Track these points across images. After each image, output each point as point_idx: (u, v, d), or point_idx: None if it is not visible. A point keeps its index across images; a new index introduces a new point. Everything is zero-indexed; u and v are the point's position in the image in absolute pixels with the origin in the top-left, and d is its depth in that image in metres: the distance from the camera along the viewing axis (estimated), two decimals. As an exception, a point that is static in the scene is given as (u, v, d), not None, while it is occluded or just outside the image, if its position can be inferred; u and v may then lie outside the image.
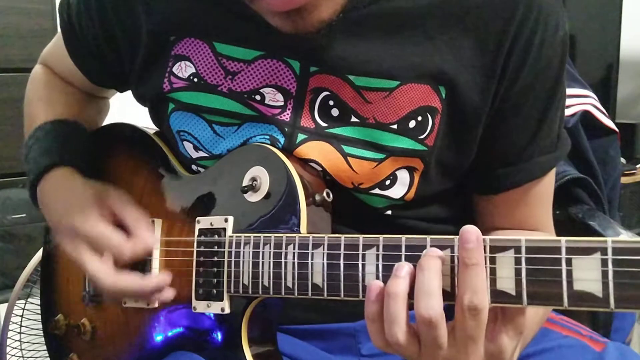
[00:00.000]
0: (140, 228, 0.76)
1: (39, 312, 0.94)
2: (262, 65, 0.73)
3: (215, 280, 0.70)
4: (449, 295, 0.55)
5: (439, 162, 0.73)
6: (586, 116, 1.10)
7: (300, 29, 0.64)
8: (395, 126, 0.70)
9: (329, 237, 0.63)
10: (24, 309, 1.37)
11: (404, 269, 0.56)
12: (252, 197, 0.70)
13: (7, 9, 1.90)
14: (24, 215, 1.92)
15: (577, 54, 2.42)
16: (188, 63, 0.76)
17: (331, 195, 0.70)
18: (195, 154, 0.78)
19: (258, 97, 0.73)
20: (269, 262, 0.66)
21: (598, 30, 2.54)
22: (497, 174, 0.75)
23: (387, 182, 0.72)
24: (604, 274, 0.49)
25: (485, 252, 0.54)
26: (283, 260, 0.65)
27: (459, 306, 0.54)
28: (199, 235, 0.72)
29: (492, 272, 0.54)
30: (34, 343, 1.38)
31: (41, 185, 0.82)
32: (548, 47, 0.70)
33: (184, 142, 0.78)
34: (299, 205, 0.67)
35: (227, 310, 0.69)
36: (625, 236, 0.98)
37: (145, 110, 0.84)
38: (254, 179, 0.70)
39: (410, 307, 0.56)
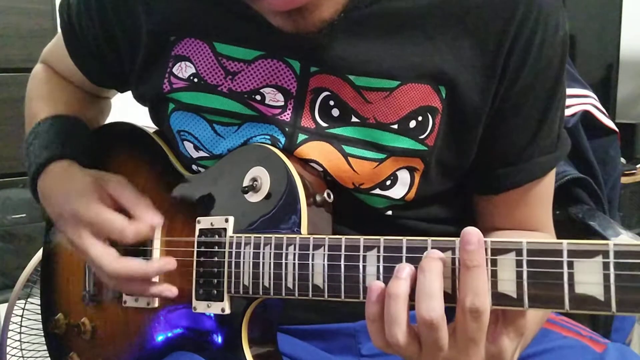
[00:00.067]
0: (141, 209, 0.75)
1: (39, 312, 0.95)
2: (263, 65, 0.73)
3: (215, 281, 0.70)
4: (450, 297, 0.55)
5: (439, 162, 0.73)
6: (586, 116, 1.10)
7: (301, 28, 0.64)
8: (395, 126, 0.70)
9: (329, 238, 0.63)
10: (24, 309, 1.37)
11: (405, 270, 0.56)
12: (253, 198, 0.70)
13: (7, 9, 1.90)
14: (24, 215, 1.92)
15: (577, 54, 2.42)
16: (188, 63, 0.76)
17: (332, 196, 0.70)
18: (195, 154, 0.78)
19: (258, 97, 0.73)
20: (270, 263, 0.66)
21: (598, 30, 2.54)
22: (497, 174, 0.75)
23: (388, 183, 0.72)
24: (606, 277, 0.49)
25: (486, 255, 0.54)
26: (284, 261, 0.65)
27: (460, 308, 0.54)
28: (199, 236, 0.72)
29: (493, 274, 0.54)
30: (34, 343, 1.38)
31: (41, 179, 0.82)
32: (548, 47, 0.70)
33: (185, 142, 0.78)
34: (299, 206, 0.67)
35: (228, 311, 0.69)
36: (625, 236, 0.98)
37: (146, 110, 0.84)
38: (254, 179, 0.70)
39: (411, 308, 0.56)
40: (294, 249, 0.64)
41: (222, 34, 0.74)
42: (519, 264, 0.53)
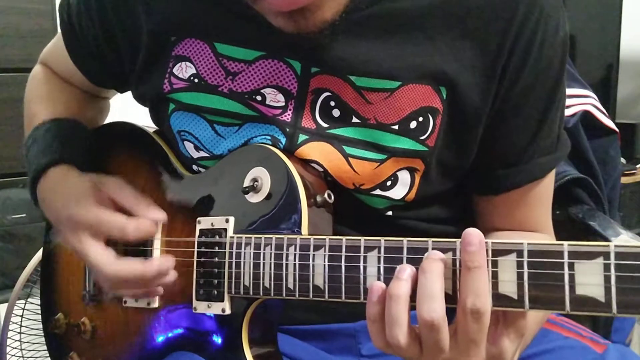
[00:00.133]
0: (141, 207, 0.75)
1: (39, 312, 0.94)
2: (263, 66, 0.72)
3: (215, 281, 0.70)
4: (451, 299, 0.55)
5: (439, 162, 0.73)
6: (586, 116, 1.10)
7: (302, 29, 0.64)
8: (396, 127, 0.70)
9: (330, 238, 0.63)
10: (24, 309, 1.37)
11: (406, 271, 0.56)
12: (253, 198, 0.70)
13: (7, 9, 1.90)
14: (24, 215, 1.92)
15: (577, 54, 2.42)
16: (188, 64, 0.76)
17: (332, 196, 0.70)
18: (196, 154, 0.78)
19: (259, 98, 0.73)
20: (270, 263, 0.66)
21: (598, 30, 2.54)
22: (497, 175, 0.75)
23: (388, 183, 0.72)
24: (607, 279, 0.49)
25: (487, 256, 0.54)
26: (284, 261, 0.65)
27: (461, 309, 0.54)
28: (199, 236, 0.72)
29: (494, 275, 0.54)
30: (34, 343, 1.38)
31: (41, 184, 0.82)
32: (549, 47, 0.70)
33: (185, 142, 0.78)
34: (300, 206, 0.67)
35: (228, 311, 0.69)
36: (625, 236, 0.98)
37: (145, 110, 0.84)
38: (255, 180, 0.70)
39: (412, 308, 0.56)
40: (295, 250, 0.64)
41: (222, 34, 0.74)
42: (519, 265, 0.53)
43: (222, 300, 0.69)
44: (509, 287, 0.53)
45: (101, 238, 0.74)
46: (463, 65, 0.69)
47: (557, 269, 0.51)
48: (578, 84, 1.15)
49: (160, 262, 0.73)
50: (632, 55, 2.64)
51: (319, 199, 0.68)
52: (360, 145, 0.71)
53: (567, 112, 1.06)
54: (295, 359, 0.79)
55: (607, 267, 0.49)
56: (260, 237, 0.67)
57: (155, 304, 0.76)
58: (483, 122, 0.71)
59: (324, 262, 0.62)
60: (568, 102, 0.97)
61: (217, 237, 0.71)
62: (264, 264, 0.66)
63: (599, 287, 0.50)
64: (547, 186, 0.79)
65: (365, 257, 0.60)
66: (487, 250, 0.54)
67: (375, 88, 0.70)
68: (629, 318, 1.03)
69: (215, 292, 0.70)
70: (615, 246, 0.49)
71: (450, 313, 0.55)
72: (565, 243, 0.51)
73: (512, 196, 0.76)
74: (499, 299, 0.54)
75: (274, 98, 0.73)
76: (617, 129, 1.15)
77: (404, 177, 0.72)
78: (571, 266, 0.51)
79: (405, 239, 0.58)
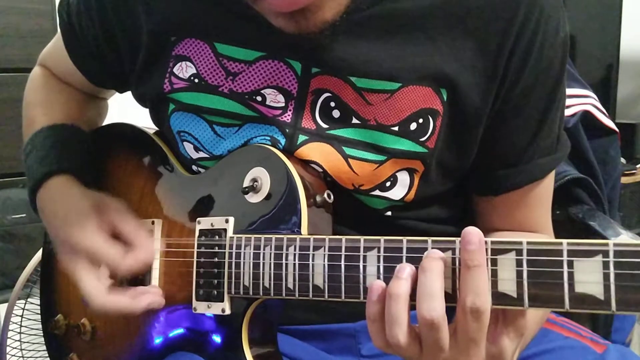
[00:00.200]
0: (139, 240, 0.75)
1: (39, 312, 0.94)
2: (263, 66, 0.72)
3: (215, 281, 0.70)
4: (450, 297, 0.55)
5: (439, 163, 0.73)
6: (586, 116, 1.10)
7: (303, 29, 0.64)
8: (396, 128, 0.70)
9: (329, 238, 0.63)
10: (24, 309, 1.37)
11: (405, 270, 0.56)
12: (253, 198, 0.70)
13: (7, 9, 1.90)
14: (24, 215, 1.92)
15: (577, 54, 2.42)
16: (189, 63, 0.76)
17: (332, 197, 0.70)
18: (195, 155, 0.78)
19: (259, 98, 0.73)
20: (270, 264, 0.66)
21: (598, 30, 2.54)
22: (497, 176, 0.75)
23: (388, 184, 0.72)
24: (606, 277, 0.49)
25: (486, 254, 0.54)
26: (284, 261, 0.65)
27: (461, 308, 0.54)
28: (199, 236, 0.72)
29: (494, 274, 0.54)
30: (34, 343, 1.38)
31: (40, 194, 0.82)
32: (549, 48, 0.70)
33: (185, 143, 0.78)
34: (299, 206, 0.67)
35: (228, 311, 0.69)
36: (626, 236, 0.98)
37: (145, 111, 0.84)
38: (254, 180, 0.70)
39: (412, 308, 0.56)
40: (294, 250, 0.64)
41: (222, 34, 0.74)
42: (519, 263, 0.53)
43: (222, 301, 0.69)
44: (508, 285, 0.53)
45: (96, 265, 0.74)
46: (463, 65, 0.69)
47: (556, 267, 0.51)
48: (578, 84, 1.15)
49: (150, 300, 0.73)
50: (632, 55, 2.64)
51: (318, 199, 0.68)
52: (360, 146, 0.71)
53: (567, 112, 1.06)
54: (295, 359, 0.79)
55: (606, 265, 0.50)
56: (260, 237, 0.67)
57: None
58: (483, 122, 0.71)
59: (324, 261, 0.62)
60: (568, 102, 0.97)
61: (216, 237, 0.71)
62: (263, 264, 0.66)
63: (598, 285, 0.50)
64: (547, 187, 0.79)
65: (364, 257, 0.60)
66: (486, 249, 0.54)
67: (376, 89, 0.70)
68: (629, 318, 1.03)
69: (215, 292, 0.70)
70: (614, 244, 0.49)
71: (450, 312, 0.55)
72: (565, 241, 0.51)
73: (512, 197, 0.76)
74: (498, 297, 0.54)
75: (274, 98, 0.73)
76: (617, 129, 1.15)
77: (403, 178, 0.72)
78: (570, 264, 0.51)
79: (404, 238, 0.58)
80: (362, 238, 0.61)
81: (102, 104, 1.00)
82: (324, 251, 0.62)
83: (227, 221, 0.71)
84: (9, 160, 1.90)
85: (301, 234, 0.66)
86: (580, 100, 1.11)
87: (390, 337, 0.56)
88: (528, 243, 0.53)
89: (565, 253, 0.51)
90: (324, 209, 0.70)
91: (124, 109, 1.04)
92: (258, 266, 0.66)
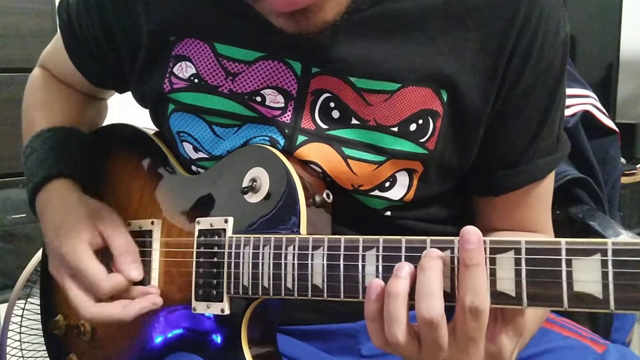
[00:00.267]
0: (123, 262, 0.76)
1: (39, 312, 0.94)
2: (263, 67, 0.72)
3: (215, 281, 0.70)
4: (449, 297, 0.55)
5: (439, 164, 0.72)
6: (586, 116, 1.10)
7: (303, 29, 0.64)
8: (395, 129, 0.70)
9: (328, 238, 0.63)
10: (24, 309, 1.37)
11: (404, 269, 0.56)
12: (252, 198, 0.70)
13: (7, 9, 1.90)
14: (24, 215, 1.92)
15: (577, 54, 2.41)
16: (189, 63, 0.76)
17: (331, 196, 0.70)
18: (195, 155, 0.78)
19: (259, 99, 0.73)
20: (269, 263, 0.66)
21: (598, 30, 2.54)
22: (497, 176, 0.75)
23: (387, 184, 0.72)
24: (604, 275, 0.49)
25: (485, 253, 0.54)
26: (283, 261, 0.65)
27: (460, 307, 0.54)
28: (198, 236, 0.72)
29: (492, 273, 0.54)
30: (34, 343, 1.38)
31: (40, 197, 0.82)
32: (549, 48, 0.70)
33: (184, 143, 0.78)
34: (299, 206, 0.67)
35: (227, 311, 0.69)
36: (626, 236, 0.98)
37: (145, 111, 0.84)
38: (254, 180, 0.70)
39: (411, 307, 0.56)
40: (293, 249, 0.64)
41: (222, 34, 0.74)
42: (517, 262, 0.53)
43: (221, 301, 0.69)
44: (507, 284, 0.53)
45: (80, 282, 0.75)
46: (464, 65, 0.69)
47: (554, 266, 0.51)
48: (578, 84, 1.15)
49: (140, 306, 0.73)
50: (632, 55, 2.64)
51: (317, 199, 0.68)
52: (360, 146, 0.71)
53: (567, 112, 1.06)
54: (294, 359, 0.79)
55: (604, 264, 0.50)
56: (259, 237, 0.67)
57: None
58: (484, 123, 0.71)
59: (323, 261, 0.62)
60: (568, 102, 0.97)
61: (216, 237, 0.71)
62: (262, 263, 0.66)
63: (597, 284, 0.50)
64: (547, 187, 0.79)
65: (363, 256, 0.60)
66: (485, 248, 0.54)
67: (375, 90, 0.70)
68: (629, 317, 1.03)
69: (215, 292, 0.70)
70: (613, 243, 0.49)
71: (449, 310, 0.55)
72: (563, 240, 0.51)
73: (512, 197, 0.76)
74: (497, 296, 0.54)
75: (274, 99, 0.73)
76: (617, 129, 1.15)
77: (403, 178, 0.72)
78: (569, 263, 0.51)
79: (403, 238, 0.58)
80: (361, 238, 0.61)
81: (102, 105, 1.00)
82: (323, 251, 0.62)
83: (226, 221, 0.71)
84: (9, 160, 1.91)
85: (300, 234, 0.66)
86: (580, 100, 1.11)
87: (389, 335, 0.56)
88: (527, 242, 0.53)
89: (563, 252, 0.51)
90: (323, 209, 0.70)
91: (124, 109, 1.04)
92: (257, 266, 0.66)
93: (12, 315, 1.36)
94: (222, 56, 0.74)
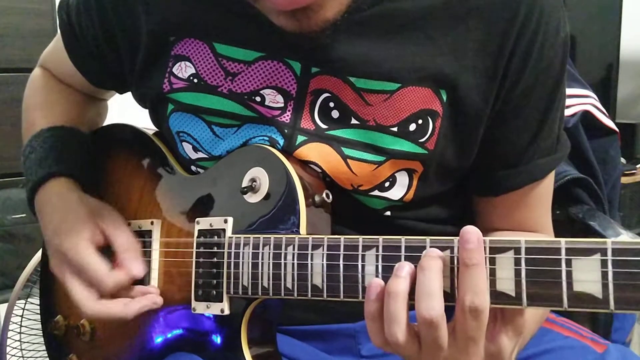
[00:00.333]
0: (127, 258, 0.75)
1: (39, 312, 0.94)
2: (263, 67, 0.72)
3: (214, 281, 0.70)
4: (449, 296, 0.55)
5: (439, 164, 0.72)
6: (586, 116, 1.10)
7: (304, 28, 0.64)
8: (395, 129, 0.70)
9: (328, 238, 0.62)
10: (24, 309, 1.37)
11: (404, 268, 0.56)
12: (252, 198, 0.70)
13: (7, 9, 1.90)
14: (24, 215, 1.92)
15: (577, 54, 2.41)
16: (188, 63, 0.76)
17: (331, 196, 0.70)
18: (194, 155, 0.78)
19: (258, 99, 0.73)
20: (269, 263, 0.66)
21: (598, 30, 2.54)
22: (498, 176, 0.75)
23: (387, 184, 0.72)
24: (604, 275, 0.49)
25: (485, 253, 0.54)
26: (282, 261, 0.65)
27: (460, 307, 0.54)
28: (198, 236, 0.72)
29: (492, 273, 0.54)
30: (34, 343, 1.38)
31: (39, 196, 0.82)
32: (549, 48, 0.70)
33: (183, 143, 0.78)
34: (298, 206, 0.67)
35: (227, 312, 0.69)
36: (626, 236, 0.98)
37: (145, 112, 0.84)
38: (253, 180, 0.70)
39: (411, 307, 0.56)
40: (293, 249, 0.64)
41: (222, 34, 0.74)
42: (517, 262, 0.53)
43: (221, 301, 0.69)
44: (506, 284, 0.53)
45: (84, 278, 0.74)
46: (464, 65, 0.69)
47: (554, 265, 0.51)
48: (578, 84, 1.15)
49: (140, 306, 0.73)
50: (632, 55, 2.64)
51: (317, 198, 0.68)
52: (359, 146, 0.71)
53: (567, 112, 1.06)
54: (294, 359, 0.79)
55: (604, 264, 0.49)
56: (259, 237, 0.67)
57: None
58: (483, 123, 0.71)
59: (322, 261, 0.62)
60: (568, 102, 0.97)
61: (215, 237, 0.71)
62: (262, 263, 0.66)
63: (597, 284, 0.50)
64: (546, 187, 0.79)
65: (363, 256, 0.60)
66: (484, 248, 0.54)
67: (375, 90, 0.70)
68: (629, 317, 1.03)
69: (214, 292, 0.70)
70: (613, 242, 0.49)
71: (449, 310, 0.55)
72: (563, 240, 0.51)
73: (512, 197, 0.76)
74: (496, 296, 0.54)
75: (273, 99, 0.73)
76: (617, 129, 1.15)
77: (402, 178, 0.72)
78: (568, 263, 0.51)
79: (403, 238, 0.58)
80: (360, 238, 0.61)
81: (102, 105, 1.00)
82: (323, 251, 0.62)
83: (226, 221, 0.71)
84: (9, 160, 1.91)
85: (300, 234, 0.66)
86: (580, 100, 1.11)
87: (389, 335, 0.56)
88: (526, 242, 0.53)
89: (563, 252, 0.51)
90: (322, 209, 0.70)
91: (124, 109, 1.04)
92: (257, 266, 0.66)
93: (12, 315, 1.37)
94: (221, 56, 0.74)
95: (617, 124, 1.16)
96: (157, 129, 0.86)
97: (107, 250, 0.77)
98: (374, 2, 0.68)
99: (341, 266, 0.61)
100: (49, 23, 1.95)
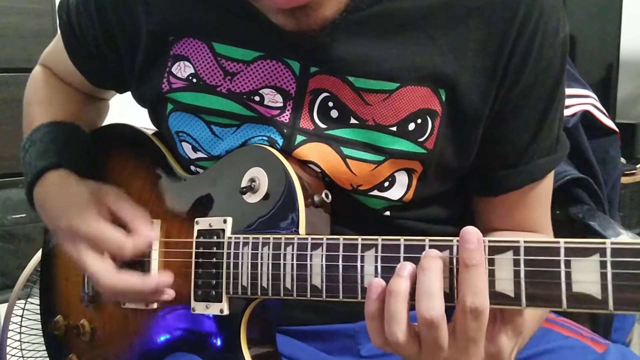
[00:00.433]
0: (138, 223, 0.75)
1: (39, 312, 0.94)
2: (262, 66, 0.72)
3: (214, 282, 0.70)
4: (449, 297, 0.55)
5: (438, 164, 0.72)
6: (586, 116, 1.10)
7: (303, 27, 0.64)
8: (394, 128, 0.70)
9: (327, 238, 0.62)
10: (24, 309, 1.37)
11: (406, 268, 0.56)
12: (251, 198, 0.70)
13: (7, 9, 1.90)
14: (24, 215, 1.92)
15: (577, 54, 2.42)
16: (187, 63, 0.76)
17: (330, 196, 0.70)
18: (193, 155, 0.78)
19: (257, 98, 0.73)
20: (268, 264, 0.66)
21: (598, 30, 2.54)
22: (497, 176, 0.75)
23: (386, 184, 0.72)
24: (603, 276, 0.49)
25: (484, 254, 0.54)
26: (282, 261, 0.65)
27: (460, 307, 0.54)
28: (197, 237, 0.72)
29: (491, 273, 0.54)
30: (34, 343, 1.38)
31: (37, 188, 0.82)
32: (549, 48, 0.70)
33: (183, 143, 0.78)
34: (297, 206, 0.67)
35: (226, 312, 0.69)
36: (626, 236, 0.98)
37: (145, 111, 0.84)
38: (252, 180, 0.70)
39: (411, 307, 0.56)
40: (292, 249, 0.64)
41: (221, 34, 0.74)
42: (516, 263, 0.53)
43: (221, 301, 0.69)
44: (505, 285, 0.53)
45: (99, 250, 0.74)
46: (463, 65, 0.69)
47: (553, 266, 0.51)
48: (578, 84, 1.14)
49: (159, 279, 0.73)
50: (632, 55, 2.64)
51: (316, 198, 0.68)
52: (358, 146, 0.71)
53: (567, 112, 1.06)
54: (294, 359, 0.79)
55: (603, 264, 0.49)
56: (258, 237, 0.67)
57: (154, 305, 0.76)
58: (483, 123, 0.71)
59: (322, 261, 0.62)
60: (568, 102, 0.97)
61: (215, 237, 0.71)
62: (261, 264, 0.66)
63: (596, 285, 0.50)
64: (546, 187, 0.79)
65: (362, 257, 0.60)
66: (483, 248, 0.54)
67: (374, 89, 0.70)
68: (629, 318, 1.03)
69: (214, 292, 0.70)
70: (612, 243, 0.49)
71: (449, 311, 0.55)
72: (562, 240, 0.51)
73: (512, 197, 0.76)
74: (496, 297, 0.54)
75: (272, 99, 0.73)
76: (617, 129, 1.15)
77: (402, 178, 0.72)
78: (567, 263, 0.51)
79: (402, 238, 0.58)
80: (360, 238, 0.61)
81: (102, 105, 1.00)
82: (322, 251, 0.62)
83: (225, 221, 0.71)
84: (9, 160, 1.91)
85: (299, 234, 0.66)
86: (580, 100, 1.11)
87: (389, 335, 0.56)
88: (525, 242, 0.53)
89: (562, 252, 0.51)
90: (322, 209, 0.70)
91: (124, 109, 1.04)
92: (256, 266, 0.66)
93: (12, 315, 1.37)
94: (220, 56, 0.74)
95: (617, 124, 1.16)
96: (156, 129, 0.86)
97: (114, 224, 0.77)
98: (373, 1, 0.68)
99: (340, 266, 0.61)
100: (49, 23, 1.95)
